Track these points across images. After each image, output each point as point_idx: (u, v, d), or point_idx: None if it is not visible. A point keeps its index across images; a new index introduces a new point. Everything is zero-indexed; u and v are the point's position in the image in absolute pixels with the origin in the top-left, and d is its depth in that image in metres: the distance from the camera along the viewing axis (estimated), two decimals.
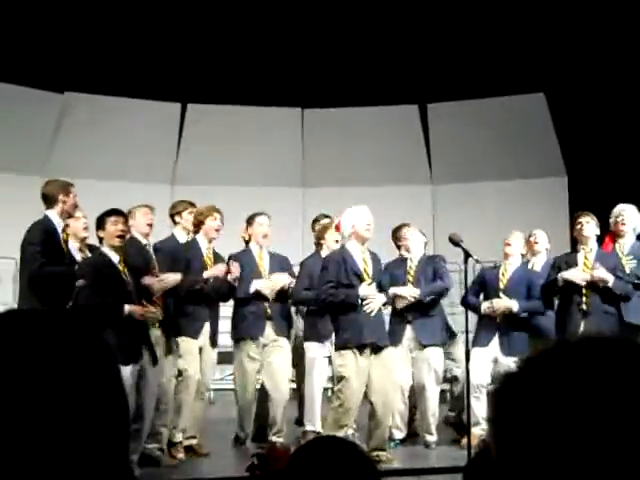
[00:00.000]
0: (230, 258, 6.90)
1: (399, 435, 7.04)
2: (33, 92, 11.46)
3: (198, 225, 6.68)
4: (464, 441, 6.21)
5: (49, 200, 6.12)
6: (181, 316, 6.51)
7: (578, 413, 0.83)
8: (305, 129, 12.75)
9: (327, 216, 7.62)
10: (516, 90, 11.89)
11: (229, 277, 6.69)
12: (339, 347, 6.16)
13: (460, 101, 12.29)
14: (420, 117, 12.73)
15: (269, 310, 6.86)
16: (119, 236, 5.88)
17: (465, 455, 5.70)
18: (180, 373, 6.44)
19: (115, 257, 5.89)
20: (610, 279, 6.65)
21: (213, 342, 6.69)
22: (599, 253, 6.86)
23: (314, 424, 6.86)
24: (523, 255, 7.18)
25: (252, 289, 6.79)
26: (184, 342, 6.47)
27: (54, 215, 6.07)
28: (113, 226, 5.87)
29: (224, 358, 8.48)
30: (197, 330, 6.53)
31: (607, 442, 0.81)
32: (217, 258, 6.83)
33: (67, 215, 6.15)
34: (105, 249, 5.92)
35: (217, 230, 6.69)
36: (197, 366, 6.51)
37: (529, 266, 7.24)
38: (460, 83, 11.97)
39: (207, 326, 6.60)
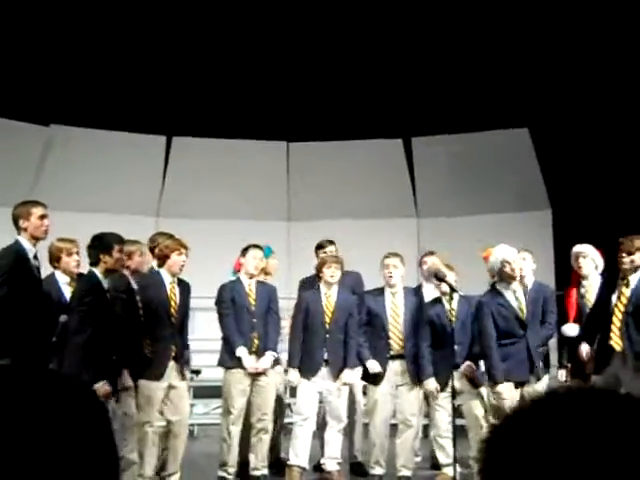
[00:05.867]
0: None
1: (379, 471, 6.93)
2: (18, 125, 11.43)
3: (162, 259, 6.42)
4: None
5: (15, 225, 5.88)
6: (142, 359, 6.18)
7: (568, 466, 0.82)
8: (290, 162, 12.78)
9: (331, 242, 7.59)
10: (500, 125, 11.98)
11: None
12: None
13: (444, 135, 12.37)
14: (405, 151, 12.79)
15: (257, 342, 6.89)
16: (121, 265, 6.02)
17: None
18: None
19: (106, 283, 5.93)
20: None
21: (182, 376, 6.40)
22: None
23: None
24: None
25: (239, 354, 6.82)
26: (144, 387, 6.15)
27: (24, 240, 5.81)
28: (119, 254, 5.92)
29: (210, 392, 8.41)
30: (159, 373, 6.21)
31: None
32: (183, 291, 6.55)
33: (35, 239, 5.83)
34: (99, 273, 5.89)
35: (182, 266, 6.42)
36: (155, 412, 6.19)
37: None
38: (444, 117, 12.06)
39: (172, 364, 6.29)
